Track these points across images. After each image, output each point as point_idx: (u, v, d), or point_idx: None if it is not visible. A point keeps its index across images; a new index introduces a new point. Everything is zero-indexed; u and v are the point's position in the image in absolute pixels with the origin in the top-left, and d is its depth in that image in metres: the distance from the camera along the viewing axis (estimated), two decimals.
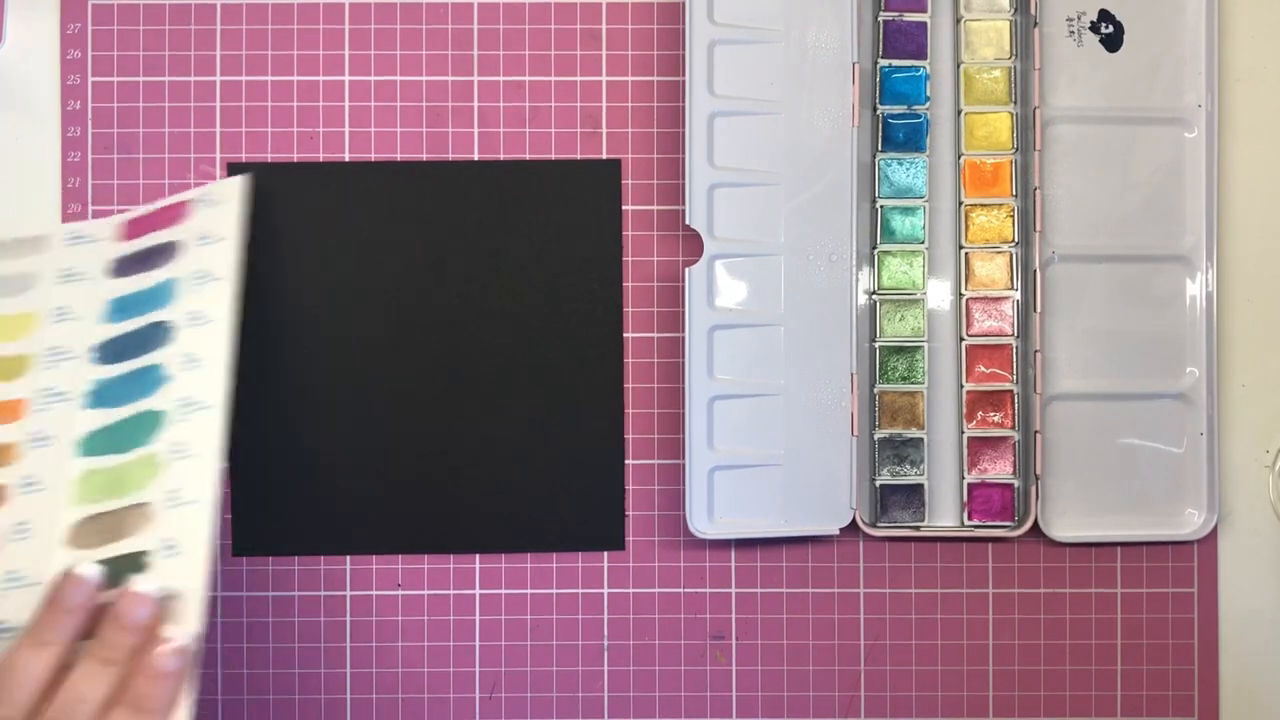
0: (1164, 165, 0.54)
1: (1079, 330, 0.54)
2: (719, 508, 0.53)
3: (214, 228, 0.53)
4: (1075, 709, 0.55)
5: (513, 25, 0.55)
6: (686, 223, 0.53)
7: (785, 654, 0.55)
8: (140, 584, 0.46)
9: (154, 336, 0.51)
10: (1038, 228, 0.54)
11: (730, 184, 0.53)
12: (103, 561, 0.47)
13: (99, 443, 0.50)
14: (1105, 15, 0.55)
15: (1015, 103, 0.55)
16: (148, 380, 0.51)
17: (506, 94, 0.55)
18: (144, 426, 0.50)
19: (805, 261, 0.53)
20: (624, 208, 0.55)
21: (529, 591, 0.55)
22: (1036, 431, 0.53)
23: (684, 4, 0.53)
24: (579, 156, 0.55)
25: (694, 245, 0.53)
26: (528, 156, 0.55)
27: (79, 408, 0.51)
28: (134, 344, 0.51)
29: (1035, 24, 0.53)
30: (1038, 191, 0.54)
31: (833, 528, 0.53)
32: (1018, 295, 0.55)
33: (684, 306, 0.53)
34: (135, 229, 0.53)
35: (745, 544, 0.55)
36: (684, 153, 0.53)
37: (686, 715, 0.55)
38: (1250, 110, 0.56)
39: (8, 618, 0.47)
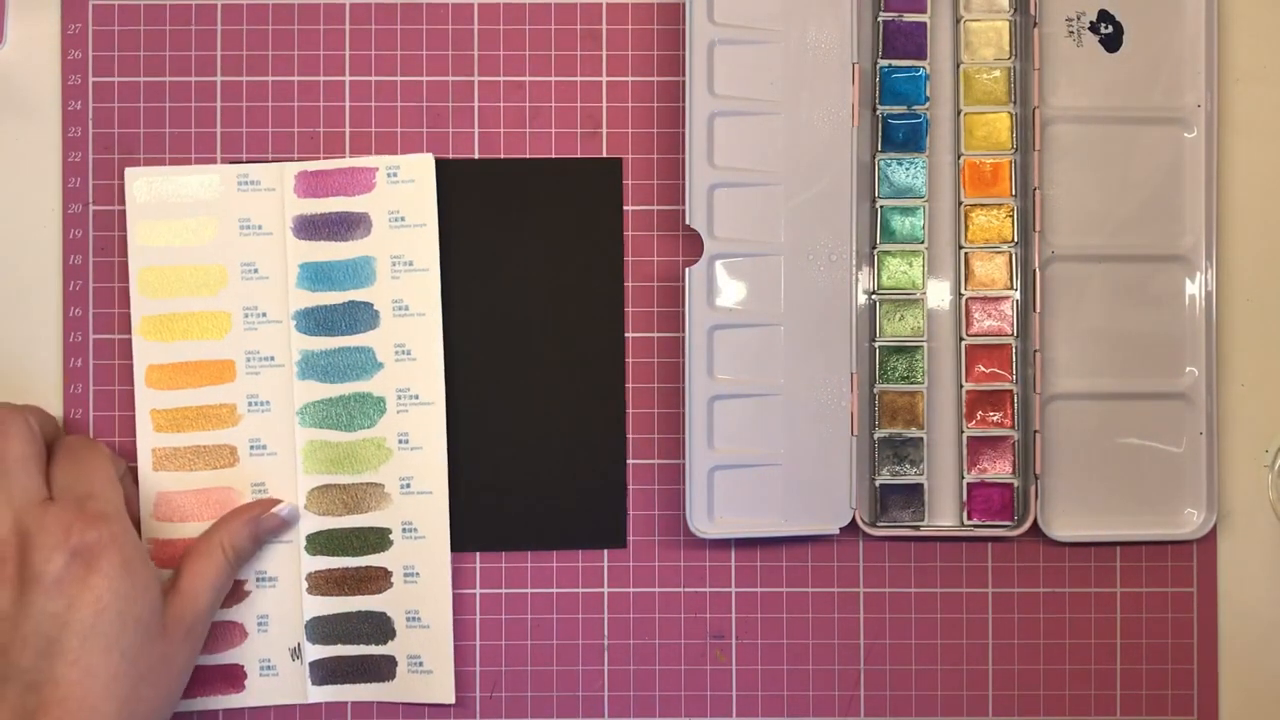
0: (1163, 165, 0.54)
1: (1078, 330, 0.54)
2: (719, 507, 0.53)
3: (408, 208, 0.53)
4: (1075, 708, 0.55)
5: (513, 25, 0.55)
6: (686, 223, 0.53)
7: (785, 653, 0.55)
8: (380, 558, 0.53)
9: (359, 316, 0.53)
10: (1037, 227, 0.54)
11: (730, 184, 0.53)
12: (349, 530, 0.53)
13: (318, 416, 0.53)
14: (1105, 15, 0.55)
15: (1015, 103, 0.55)
16: (360, 362, 0.53)
17: (507, 94, 0.55)
18: (364, 409, 0.53)
19: (805, 261, 0.53)
20: (624, 208, 0.55)
21: (529, 591, 0.55)
22: (1036, 431, 0.53)
23: (684, 4, 0.53)
24: (579, 156, 0.55)
25: (694, 245, 0.53)
26: (528, 156, 0.55)
27: (292, 376, 0.53)
28: (338, 319, 0.53)
29: (1035, 24, 0.53)
30: (1037, 191, 0.54)
31: (832, 527, 0.53)
32: (1017, 295, 0.55)
33: (684, 306, 0.53)
34: (312, 186, 0.53)
35: (745, 543, 0.55)
36: (684, 153, 0.53)
37: (686, 714, 0.55)
38: (1250, 110, 0.56)
39: (266, 569, 0.53)
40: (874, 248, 0.55)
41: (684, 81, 0.53)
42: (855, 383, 0.53)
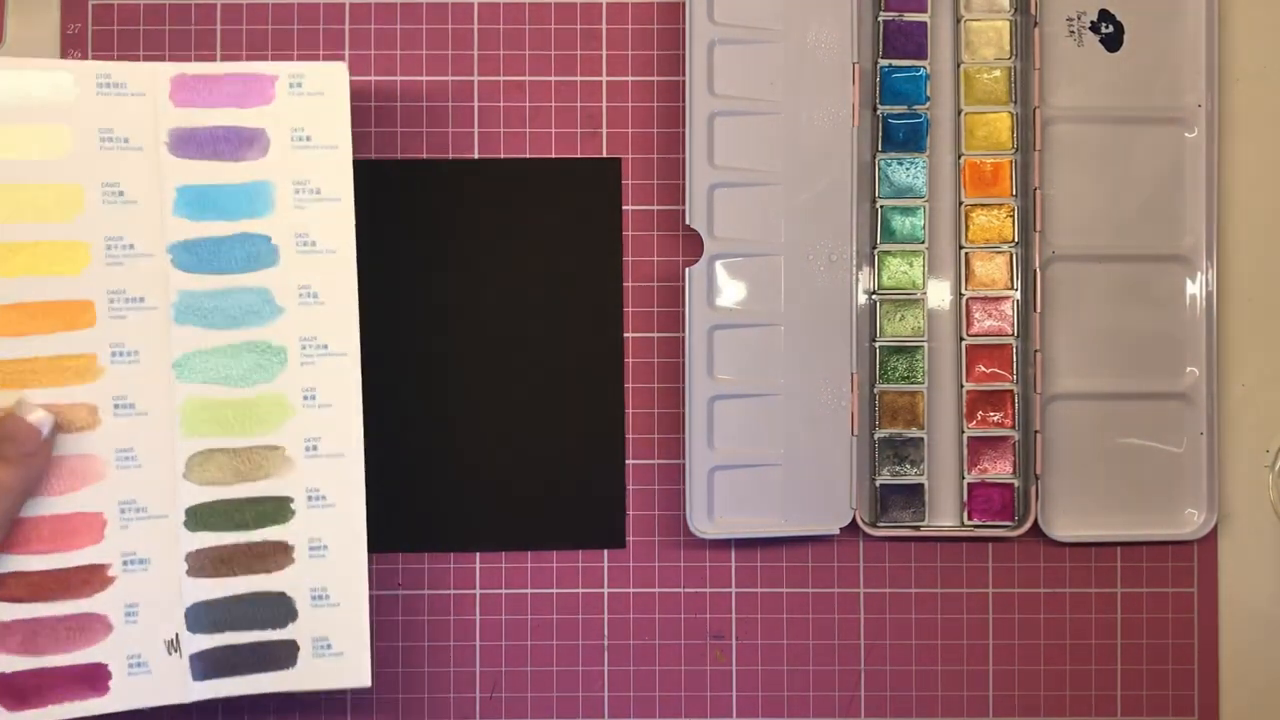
0: (1164, 165, 0.54)
1: (1079, 330, 0.54)
2: (719, 507, 0.53)
3: (315, 125, 0.46)
4: (1075, 709, 0.55)
5: (513, 25, 0.55)
6: (686, 223, 0.53)
7: (785, 654, 0.55)
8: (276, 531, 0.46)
9: (253, 251, 0.45)
10: (1038, 227, 0.54)
11: (730, 184, 0.53)
12: (242, 501, 0.46)
13: (201, 369, 0.45)
14: (1105, 15, 0.55)
15: (1015, 103, 0.55)
16: (254, 305, 0.45)
17: (507, 94, 0.55)
18: (260, 361, 0.46)
19: (805, 261, 0.53)
20: (624, 207, 0.55)
21: (529, 591, 0.55)
22: (1036, 431, 0.53)
23: (684, 4, 0.53)
24: (579, 156, 0.55)
25: (694, 245, 0.53)
26: (528, 156, 0.55)
27: (168, 320, 0.45)
28: (226, 254, 0.45)
29: (1035, 24, 0.53)
30: (1038, 191, 0.54)
31: (833, 527, 0.53)
32: (1018, 295, 0.55)
33: (684, 306, 0.53)
34: (193, 93, 0.46)
35: (745, 544, 0.55)
36: (684, 153, 0.53)
37: (686, 715, 0.55)
38: (1250, 110, 0.56)
39: (136, 549, 0.45)
40: (874, 248, 0.54)
41: (684, 81, 0.53)
42: (855, 383, 0.53)
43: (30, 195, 0.44)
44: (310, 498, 0.46)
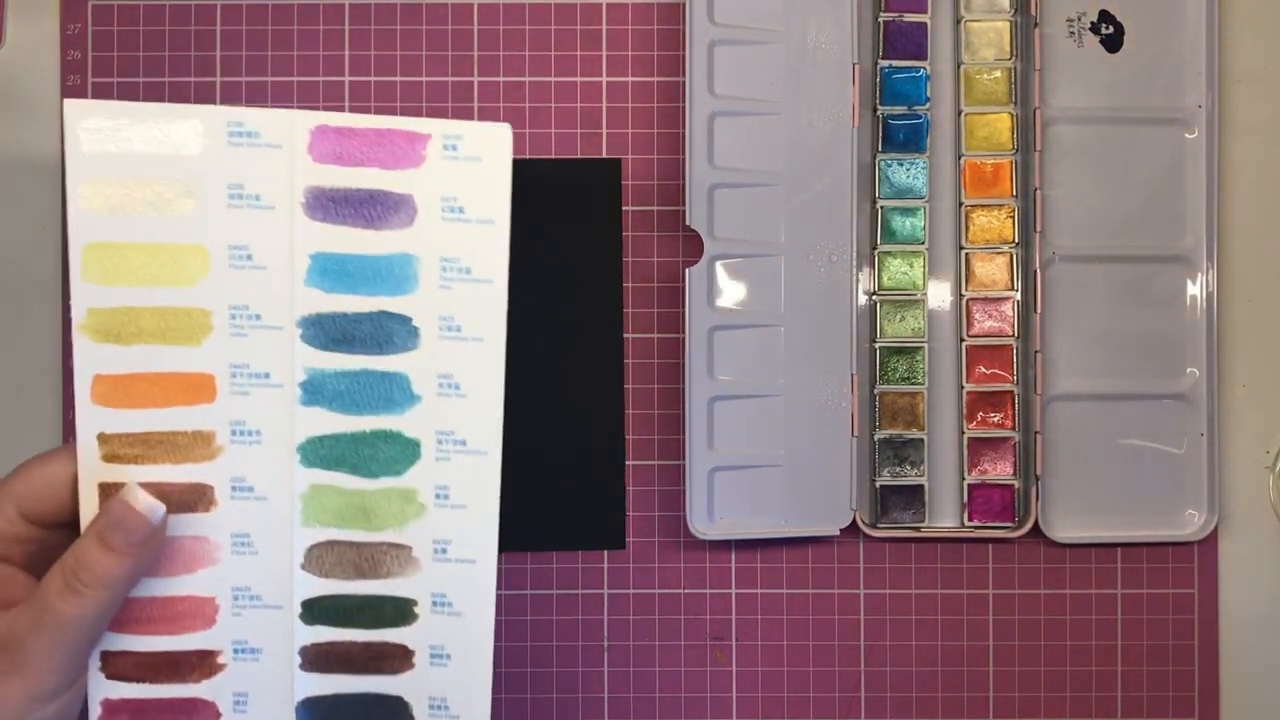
0: (1164, 166, 0.54)
1: (1079, 331, 0.54)
2: (719, 508, 0.53)
3: (470, 196, 0.41)
4: (1075, 710, 0.55)
5: (512, 26, 0.55)
6: (687, 223, 0.53)
7: (785, 655, 0.55)
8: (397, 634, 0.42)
9: (392, 332, 0.41)
10: (1038, 228, 0.53)
11: (730, 184, 0.53)
12: (361, 598, 0.42)
13: (326, 454, 0.41)
14: (1105, 16, 0.55)
15: (1015, 103, 0.55)
16: (390, 391, 0.41)
17: (506, 95, 0.55)
18: (392, 452, 0.42)
19: (805, 262, 0.53)
20: (624, 208, 0.55)
21: (529, 592, 0.55)
22: (1037, 432, 0.53)
23: (684, 4, 0.53)
24: (579, 157, 0.55)
25: (694, 246, 0.53)
26: (528, 156, 0.55)
27: (293, 400, 0.41)
28: (361, 332, 0.41)
29: (1035, 25, 0.53)
30: (1038, 192, 0.54)
31: (833, 528, 0.53)
32: (1018, 296, 0.55)
33: (684, 307, 0.53)
34: (335, 148, 0.41)
35: (745, 545, 0.55)
36: (684, 153, 0.53)
37: (686, 716, 0.55)
38: (1250, 110, 0.56)
39: (248, 638, 0.42)
40: (874, 248, 0.54)
41: (684, 82, 0.53)
42: (855, 384, 0.53)
43: (150, 255, 0.40)
44: (435, 603, 0.43)
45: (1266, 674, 0.56)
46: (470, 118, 0.55)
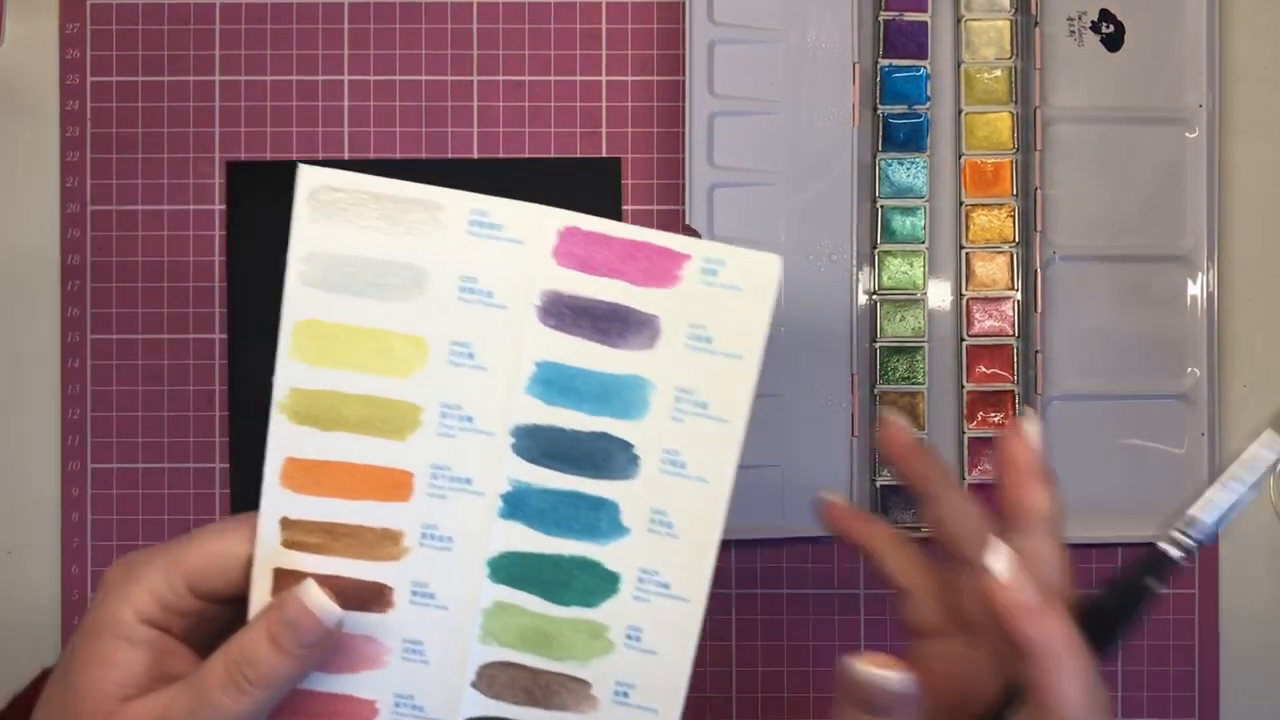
0: (1165, 165, 0.54)
1: (1079, 330, 0.54)
2: None
3: (722, 327, 0.37)
4: None
5: (512, 25, 0.55)
6: (686, 222, 0.53)
7: (785, 655, 0.55)
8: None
9: (611, 457, 0.38)
10: (1038, 228, 0.53)
11: (730, 184, 0.53)
12: None
13: (518, 572, 0.38)
14: (1106, 15, 0.54)
15: (1016, 102, 0.55)
16: (597, 518, 0.38)
17: (506, 94, 0.55)
18: (589, 582, 0.38)
19: (806, 261, 0.53)
20: (624, 207, 0.55)
21: None
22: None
23: (684, 4, 0.53)
24: (578, 156, 0.55)
25: None
26: (527, 156, 0.55)
27: (493, 511, 0.38)
28: (578, 451, 0.38)
29: (1036, 24, 0.53)
30: (1038, 191, 0.53)
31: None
32: (1018, 295, 0.54)
33: None
34: (582, 252, 0.38)
35: (745, 545, 0.55)
36: (684, 152, 0.53)
37: (687, 716, 0.55)
38: (1251, 110, 0.56)
39: None
40: (874, 248, 0.54)
41: (684, 81, 0.53)
42: (855, 383, 0.53)
43: (366, 340, 0.37)
44: None
45: (1267, 674, 0.56)
46: (470, 117, 0.55)
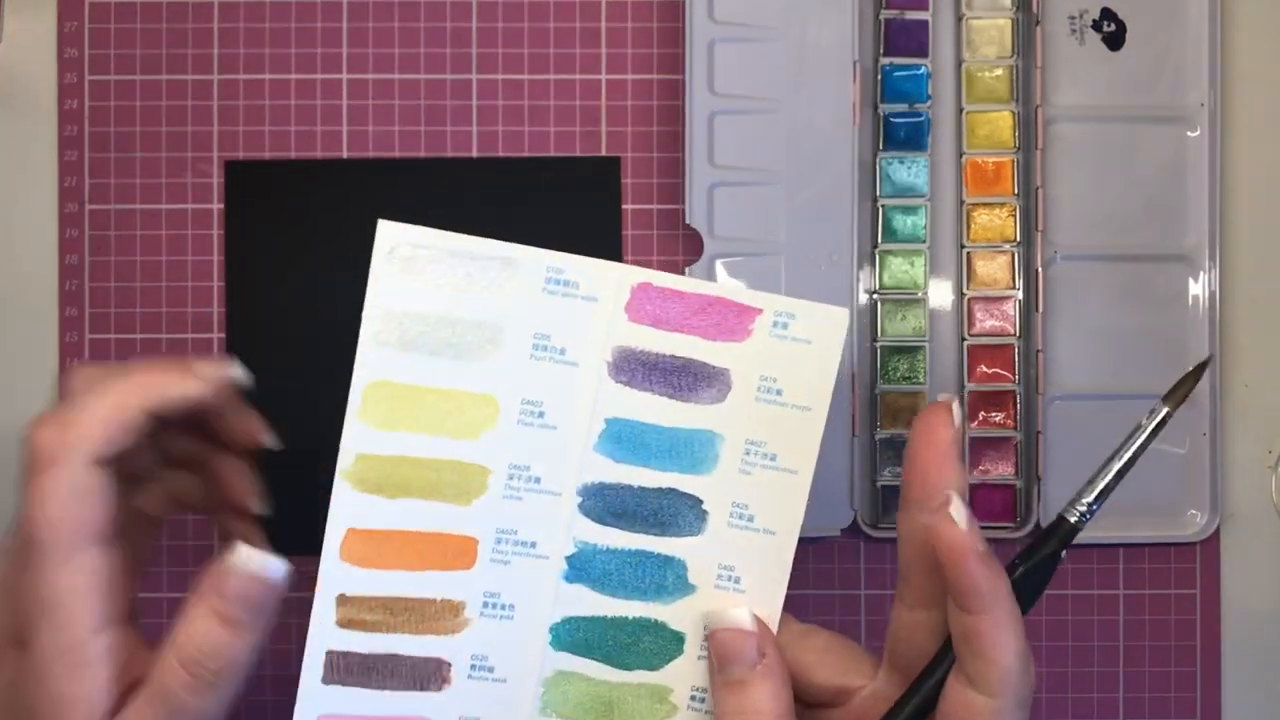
0: (1167, 164, 0.54)
1: (1081, 330, 0.54)
2: None
3: (792, 379, 0.38)
4: (1077, 711, 0.55)
5: (511, 23, 0.55)
6: (686, 222, 0.52)
7: None
8: None
9: (678, 513, 0.38)
10: (1040, 227, 0.53)
11: (730, 183, 0.53)
12: None
13: (581, 638, 0.38)
14: (1107, 14, 0.54)
15: (1017, 101, 0.54)
16: (663, 577, 0.38)
17: (505, 93, 0.55)
18: (652, 644, 0.38)
19: (806, 261, 0.53)
20: (623, 207, 0.55)
21: None
22: (1038, 432, 0.53)
23: (684, 2, 0.53)
24: (578, 155, 0.55)
25: (694, 245, 0.53)
26: (526, 155, 0.55)
27: (556, 575, 0.37)
28: (646, 509, 0.37)
29: (1037, 22, 0.53)
30: (1040, 190, 0.53)
31: (833, 529, 0.53)
32: (1020, 295, 0.54)
33: None
34: (655, 308, 0.37)
35: None
36: (684, 151, 0.53)
37: None
38: (1253, 109, 0.56)
39: None
40: (875, 247, 0.54)
41: (684, 79, 0.53)
42: (856, 383, 0.53)
43: (438, 402, 0.36)
44: None
45: (1269, 674, 0.55)
46: (469, 116, 0.54)
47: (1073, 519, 0.39)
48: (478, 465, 0.37)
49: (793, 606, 0.55)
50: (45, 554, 0.34)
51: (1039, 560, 0.38)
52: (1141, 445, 0.39)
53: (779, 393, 0.38)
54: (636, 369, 0.37)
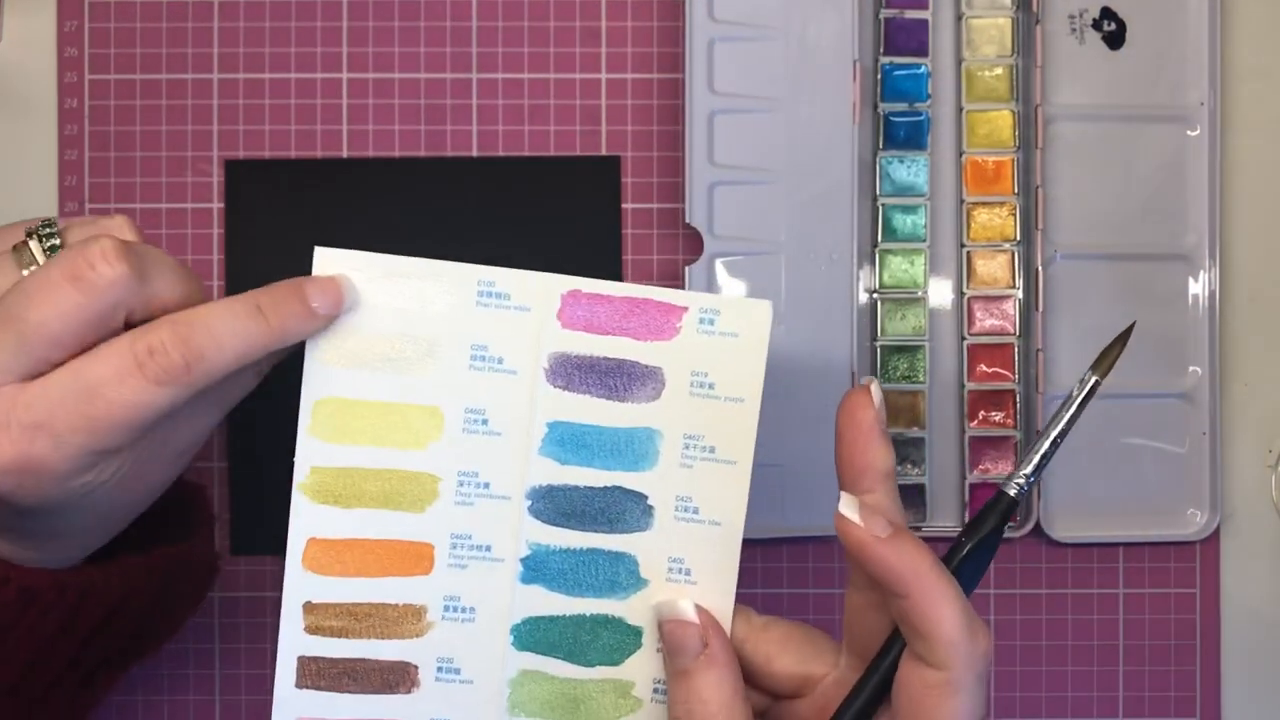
0: (1167, 163, 0.54)
1: (1081, 329, 0.54)
2: None
3: (722, 372, 0.39)
4: (1077, 710, 0.55)
5: (511, 23, 0.55)
6: (686, 221, 0.52)
7: None
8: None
9: (625, 510, 0.39)
10: (1039, 226, 0.53)
11: (730, 182, 0.53)
12: None
13: (542, 637, 0.39)
14: (1107, 13, 0.54)
15: (1017, 100, 0.54)
16: (616, 573, 0.39)
17: (505, 92, 0.55)
18: (611, 640, 0.39)
19: (806, 260, 0.53)
20: (623, 206, 0.55)
21: None
22: (1038, 431, 0.53)
23: (684, 1, 0.53)
24: (578, 154, 0.55)
25: (694, 244, 0.53)
26: (526, 154, 0.55)
27: (513, 577, 0.38)
28: (593, 508, 0.39)
29: (1037, 21, 0.53)
30: (1039, 190, 0.53)
31: (833, 528, 0.53)
32: (1019, 294, 0.54)
33: None
34: (585, 314, 0.39)
35: (746, 545, 0.55)
36: (684, 150, 0.53)
37: None
38: (1253, 108, 0.56)
39: None
40: (875, 246, 0.54)
41: (684, 79, 0.53)
42: (856, 382, 0.53)
43: (384, 415, 0.38)
44: None
45: (1269, 674, 0.55)
46: (469, 115, 0.54)
47: (1012, 492, 0.39)
48: (428, 474, 0.38)
49: (793, 606, 0.55)
50: None
51: (983, 536, 0.38)
52: (1073, 416, 0.39)
53: (711, 386, 0.39)
54: (573, 373, 0.39)
